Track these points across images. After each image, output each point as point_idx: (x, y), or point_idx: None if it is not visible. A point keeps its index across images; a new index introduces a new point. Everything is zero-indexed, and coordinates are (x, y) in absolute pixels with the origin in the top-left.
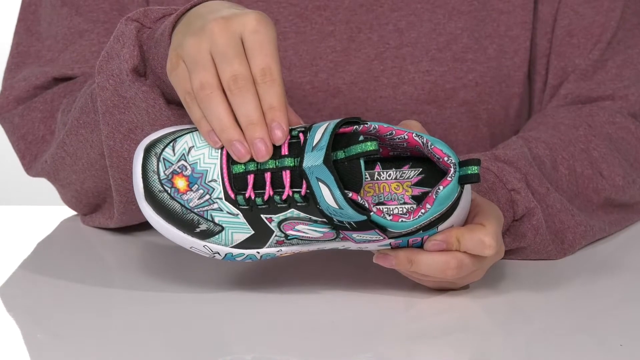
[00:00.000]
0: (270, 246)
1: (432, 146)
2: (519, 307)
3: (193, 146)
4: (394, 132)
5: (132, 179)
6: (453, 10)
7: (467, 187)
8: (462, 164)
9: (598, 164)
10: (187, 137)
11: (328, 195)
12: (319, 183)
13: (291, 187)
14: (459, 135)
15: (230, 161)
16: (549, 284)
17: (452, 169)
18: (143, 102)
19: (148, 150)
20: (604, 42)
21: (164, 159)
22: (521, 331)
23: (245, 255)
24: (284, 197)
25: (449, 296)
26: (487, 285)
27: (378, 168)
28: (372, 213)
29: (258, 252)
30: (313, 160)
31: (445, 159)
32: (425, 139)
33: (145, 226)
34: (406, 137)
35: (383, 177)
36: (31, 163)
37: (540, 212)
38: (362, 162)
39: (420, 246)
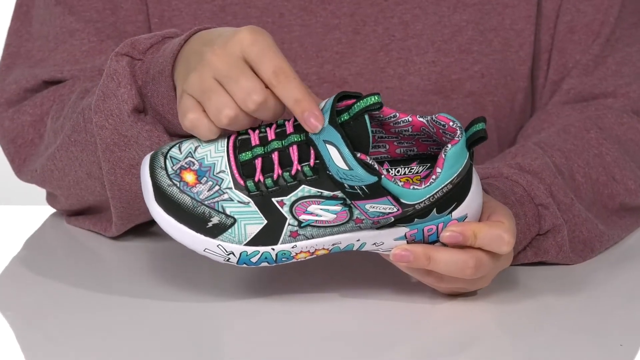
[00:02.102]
0: (284, 241)
1: (437, 116)
2: (518, 306)
3: (199, 146)
4: (397, 114)
5: (135, 201)
6: (458, 3)
7: (477, 177)
8: (468, 125)
9: (611, 169)
10: (193, 140)
11: (337, 156)
12: (327, 145)
13: (299, 162)
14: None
15: (237, 150)
16: (549, 285)
17: (458, 131)
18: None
19: (155, 153)
20: (602, 38)
21: (171, 157)
22: (521, 330)
23: (260, 255)
24: (293, 172)
25: (451, 302)
26: (489, 287)
27: (386, 166)
28: (382, 176)
29: (273, 249)
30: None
31: (451, 124)
32: (428, 117)
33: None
34: (410, 119)
35: (392, 174)
36: (20, 167)
37: (565, 229)
38: (367, 119)
39: (436, 240)
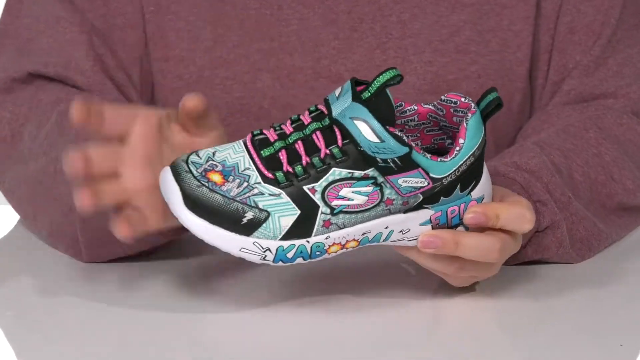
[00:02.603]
0: (318, 232)
1: (446, 95)
2: (519, 306)
3: (216, 150)
4: (402, 103)
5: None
6: (456, 3)
7: (485, 169)
8: (480, 98)
9: (610, 168)
10: (209, 148)
11: (367, 130)
12: (355, 122)
13: (326, 145)
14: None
15: (258, 147)
16: (549, 284)
17: (472, 104)
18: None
19: (175, 162)
20: (604, 39)
21: (192, 162)
22: (521, 330)
23: (296, 249)
24: (322, 156)
25: (451, 303)
26: (485, 282)
27: None
28: (412, 148)
29: (308, 242)
30: (341, 105)
31: (462, 99)
32: (434, 102)
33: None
34: (415, 107)
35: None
36: None
37: (564, 225)
38: (388, 92)
39: (459, 223)
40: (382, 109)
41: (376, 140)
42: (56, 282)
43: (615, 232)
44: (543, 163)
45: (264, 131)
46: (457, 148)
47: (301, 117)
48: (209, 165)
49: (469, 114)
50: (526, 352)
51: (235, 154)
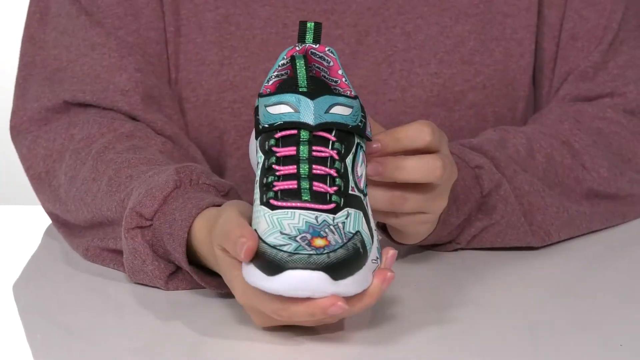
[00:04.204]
0: (373, 221)
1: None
2: (519, 305)
3: (278, 230)
4: None
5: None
6: (460, 13)
7: None
8: (302, 35)
9: (580, 156)
10: (268, 238)
11: (341, 109)
12: (331, 112)
13: (330, 149)
14: (466, 138)
15: (295, 200)
16: (549, 283)
17: (314, 45)
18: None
19: (288, 264)
20: (605, 44)
21: (296, 252)
22: (521, 330)
23: (379, 244)
24: (337, 158)
25: (450, 304)
26: (487, 283)
27: None
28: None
29: (377, 231)
30: (307, 112)
31: (314, 46)
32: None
33: None
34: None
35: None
36: (36, 193)
37: (506, 182)
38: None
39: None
40: (326, 87)
41: (349, 111)
42: (75, 279)
43: (585, 213)
44: (488, 140)
45: (275, 189)
46: (344, 79)
47: (279, 155)
48: (300, 239)
49: (324, 49)
50: (526, 352)
51: (292, 219)
